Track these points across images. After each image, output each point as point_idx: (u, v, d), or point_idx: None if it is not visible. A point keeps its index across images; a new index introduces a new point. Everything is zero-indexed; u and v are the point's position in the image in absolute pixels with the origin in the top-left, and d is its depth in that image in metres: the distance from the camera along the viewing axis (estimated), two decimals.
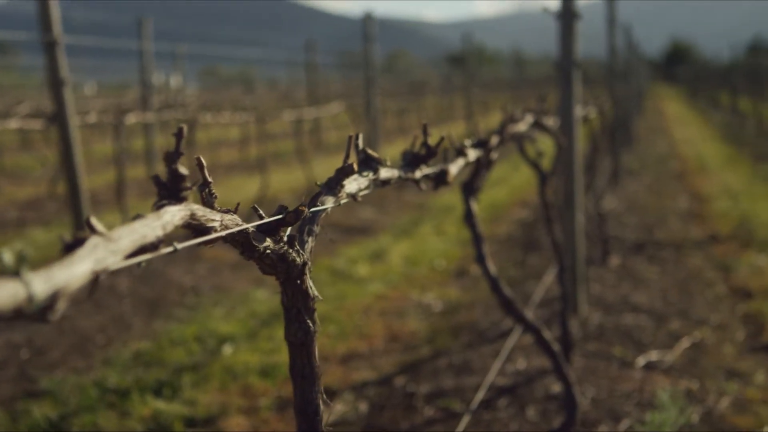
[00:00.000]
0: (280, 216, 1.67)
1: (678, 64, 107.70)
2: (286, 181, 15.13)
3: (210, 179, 1.49)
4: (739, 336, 6.06)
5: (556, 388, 4.88)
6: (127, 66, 26.78)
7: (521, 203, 12.93)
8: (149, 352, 6.01)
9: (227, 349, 6.09)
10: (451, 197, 12.35)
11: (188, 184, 1.35)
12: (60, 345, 6.11)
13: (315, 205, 1.85)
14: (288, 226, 1.70)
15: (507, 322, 6.17)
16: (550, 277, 6.98)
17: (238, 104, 23.79)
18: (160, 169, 13.95)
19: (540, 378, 5.10)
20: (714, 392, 4.91)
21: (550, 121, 5.29)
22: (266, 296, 7.41)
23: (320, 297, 1.80)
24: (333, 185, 1.97)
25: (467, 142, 3.36)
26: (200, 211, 1.38)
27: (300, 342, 1.79)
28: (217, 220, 1.45)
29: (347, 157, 1.96)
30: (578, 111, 6.27)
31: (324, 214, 1.88)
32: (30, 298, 0.90)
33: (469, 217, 3.61)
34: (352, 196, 2.05)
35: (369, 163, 2.23)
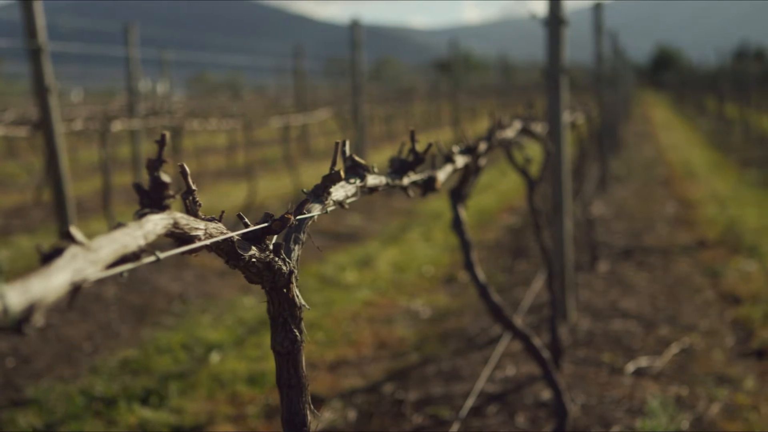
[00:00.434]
0: (266, 224, 1.64)
1: (664, 71, 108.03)
2: (274, 188, 15.10)
3: (194, 187, 1.46)
4: (728, 342, 6.05)
5: (546, 394, 4.85)
6: (113, 73, 26.73)
7: (509, 209, 12.93)
8: (136, 360, 5.97)
9: (215, 357, 6.05)
10: (439, 203, 12.33)
11: (171, 192, 1.32)
12: (46, 353, 6.06)
13: (301, 213, 1.82)
14: (274, 234, 1.67)
15: (496, 328, 6.15)
16: (538, 284, 6.97)
17: (225, 111, 23.75)
18: (147, 176, 13.88)
19: (529, 384, 5.08)
20: (704, 398, 4.90)
21: (538, 128, 5.28)
22: (254, 303, 7.38)
23: (307, 306, 1.77)
24: (319, 192, 1.94)
25: (455, 149, 3.33)
26: (183, 219, 1.35)
27: (287, 351, 1.76)
28: (201, 229, 1.42)
29: (334, 163, 1.93)
30: (566, 117, 6.26)
31: (311, 222, 1.85)
32: (5, 311, 0.87)
33: (457, 224, 3.59)
34: (339, 204, 2.02)
35: (356, 170, 2.21)
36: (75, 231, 1.08)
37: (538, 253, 7.13)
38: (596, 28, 13.65)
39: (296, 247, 1.78)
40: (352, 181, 2.14)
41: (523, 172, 4.78)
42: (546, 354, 4.00)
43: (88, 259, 1.05)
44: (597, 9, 13.72)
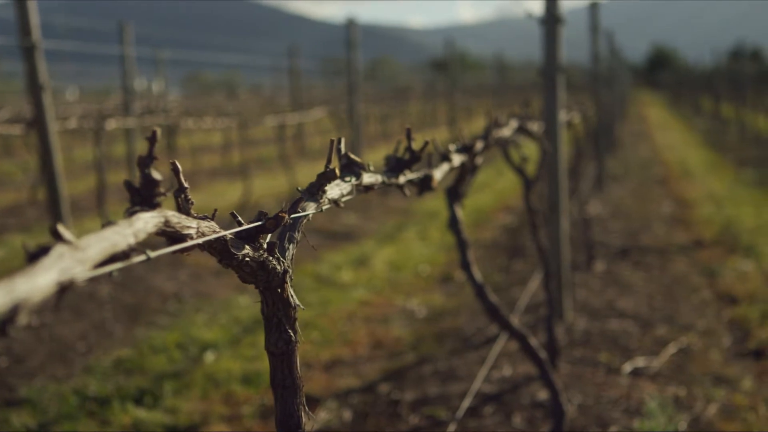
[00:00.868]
0: (260, 222, 1.61)
1: (660, 70, 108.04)
2: (269, 187, 15.06)
3: (186, 184, 1.43)
4: (725, 342, 6.03)
5: (543, 395, 4.83)
6: (109, 71, 26.66)
7: (506, 208, 12.90)
8: (130, 360, 5.94)
9: (209, 356, 6.02)
10: (435, 202, 12.31)
11: (162, 190, 1.29)
12: (39, 353, 6.03)
13: (296, 211, 1.79)
14: (268, 233, 1.64)
15: (492, 328, 6.12)
16: (535, 283, 6.94)
17: (220, 110, 23.71)
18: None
19: (526, 385, 5.05)
20: (701, 399, 4.87)
21: (535, 126, 5.25)
22: (249, 303, 7.35)
23: (302, 306, 1.74)
24: (314, 191, 1.91)
25: (452, 147, 3.31)
26: (175, 217, 1.32)
27: (281, 352, 1.73)
28: (194, 227, 1.39)
29: (329, 161, 1.90)
30: (562, 116, 6.23)
31: (306, 220, 1.82)
32: None
33: (453, 223, 3.56)
34: (335, 202, 1.99)
35: (351, 168, 2.18)
36: (63, 229, 1.05)
37: (535, 252, 7.11)
38: (592, 28, 13.64)
39: (291, 246, 1.75)
40: (347, 179, 2.11)
41: (520, 171, 4.75)
42: (543, 354, 3.98)
43: (76, 258, 1.02)
44: (593, 8, 13.70)
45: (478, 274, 3.61)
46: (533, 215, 4.85)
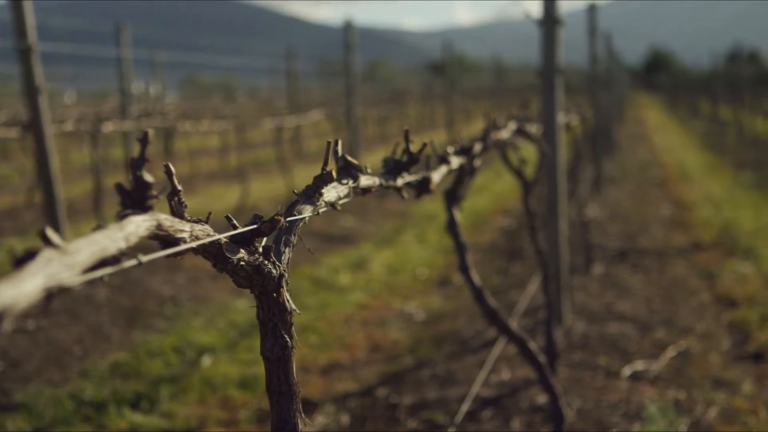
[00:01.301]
0: (255, 226, 1.58)
1: (658, 73, 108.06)
2: (267, 190, 15.03)
3: (179, 187, 1.40)
4: (724, 344, 6.01)
5: (542, 399, 4.80)
6: (106, 74, 26.65)
7: (504, 211, 12.88)
8: (127, 364, 5.91)
9: (206, 361, 5.99)
10: (433, 205, 12.28)
11: (155, 193, 1.25)
12: (35, 357, 5.99)
13: (292, 214, 1.76)
14: (263, 237, 1.61)
15: (491, 331, 6.09)
16: (533, 286, 6.91)
17: (218, 113, 23.68)
18: None
19: (525, 389, 5.02)
20: (701, 402, 4.84)
21: (533, 128, 5.22)
22: (246, 306, 7.32)
23: (298, 311, 1.71)
24: (311, 193, 1.88)
25: (450, 149, 3.28)
26: (168, 221, 1.29)
27: (277, 358, 1.70)
28: (187, 231, 1.35)
29: (326, 163, 1.87)
30: (561, 118, 6.20)
31: (302, 223, 1.79)
32: None
33: (452, 226, 3.53)
34: (331, 205, 1.96)
35: (349, 171, 2.14)
36: (51, 233, 1.02)
37: (533, 255, 7.08)
38: (590, 30, 13.62)
39: (287, 250, 1.72)
40: (344, 181, 2.08)
41: (518, 173, 4.73)
42: (542, 358, 3.95)
43: (64, 263, 0.99)
44: (591, 10, 13.69)
45: (476, 278, 3.58)
46: (532, 218, 4.82)
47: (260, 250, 1.61)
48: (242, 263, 1.55)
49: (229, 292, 7.80)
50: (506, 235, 10.77)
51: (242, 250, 1.55)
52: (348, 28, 15.32)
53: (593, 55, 14.00)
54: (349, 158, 2.14)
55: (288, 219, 1.74)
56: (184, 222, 1.36)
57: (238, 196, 12.89)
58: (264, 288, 1.64)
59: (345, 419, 4.92)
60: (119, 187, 1.25)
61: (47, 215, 7.13)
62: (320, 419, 4.92)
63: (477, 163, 3.60)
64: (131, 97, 15.33)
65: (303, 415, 1.75)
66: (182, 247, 1.33)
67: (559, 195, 6.15)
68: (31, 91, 6.75)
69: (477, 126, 29.49)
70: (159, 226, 1.26)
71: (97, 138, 10.77)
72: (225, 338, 6.49)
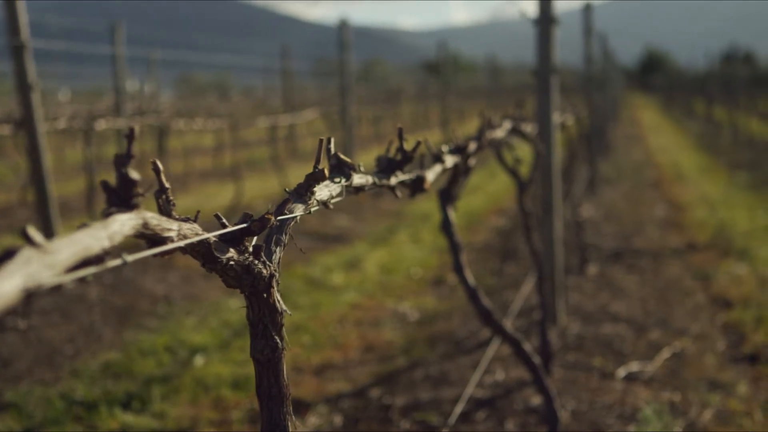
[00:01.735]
0: (244, 225, 1.55)
1: (653, 73, 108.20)
2: (261, 189, 14.99)
3: (167, 185, 1.37)
4: (719, 346, 5.98)
5: (536, 400, 4.77)
6: (101, 72, 26.57)
7: (498, 211, 12.85)
8: (118, 363, 5.86)
9: (199, 360, 5.95)
10: (428, 204, 12.25)
11: (141, 190, 1.22)
12: (26, 356, 5.95)
13: (283, 213, 1.72)
14: (253, 236, 1.58)
15: (485, 331, 6.06)
16: (528, 286, 6.89)
17: (212, 111, 23.63)
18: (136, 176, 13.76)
19: (519, 390, 4.99)
20: (696, 404, 4.82)
21: (528, 128, 5.19)
22: (239, 305, 7.27)
23: (289, 311, 1.68)
24: (302, 192, 1.84)
25: (445, 148, 3.25)
26: (154, 219, 1.26)
27: (267, 359, 1.67)
28: (174, 230, 1.32)
29: (318, 162, 1.84)
30: (556, 117, 6.18)
31: (294, 222, 1.76)
32: None
33: (446, 226, 3.50)
34: (324, 204, 1.93)
35: (341, 169, 2.11)
36: (33, 231, 0.99)
37: (528, 255, 7.05)
38: (586, 29, 13.59)
39: (277, 249, 1.69)
40: (337, 180, 2.04)
41: (513, 172, 4.70)
42: (536, 359, 3.92)
43: (44, 262, 0.95)
44: (587, 10, 13.66)
45: (470, 278, 3.55)
46: (527, 218, 4.80)
47: (250, 249, 1.58)
48: (231, 263, 1.51)
49: (222, 291, 7.76)
50: (501, 235, 10.74)
51: (232, 250, 1.52)
52: (343, 26, 15.29)
53: (588, 55, 13.97)
54: (342, 156, 2.11)
55: (279, 218, 1.70)
56: (171, 220, 1.33)
57: (232, 195, 12.85)
58: (254, 288, 1.61)
59: (338, 420, 4.89)
60: (105, 185, 1.22)
61: (39, 213, 7.09)
62: (313, 420, 4.88)
63: (472, 162, 3.57)
64: (126, 95, 15.29)
65: (294, 417, 1.72)
66: (169, 246, 1.30)
67: (554, 195, 6.12)
68: (23, 88, 6.71)
69: (472, 126, 29.48)
70: (145, 225, 1.23)
71: (90, 136, 10.72)
72: (218, 338, 6.45)
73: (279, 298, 1.66)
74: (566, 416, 4.57)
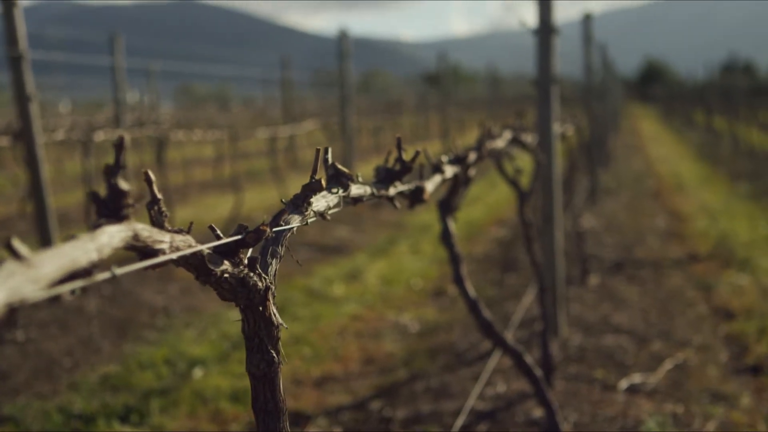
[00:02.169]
0: (239, 236, 1.51)
1: (652, 84, 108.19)
2: (261, 200, 14.96)
3: (159, 196, 1.33)
4: (722, 357, 5.93)
5: (538, 412, 4.72)
6: (101, 83, 26.59)
7: (498, 222, 12.82)
8: (117, 376, 5.82)
9: (198, 373, 5.91)
10: (428, 215, 12.21)
11: (131, 201, 1.18)
12: (24, 369, 5.91)
13: (278, 224, 1.69)
14: (248, 248, 1.54)
15: (486, 343, 6.02)
16: (529, 297, 6.85)
17: (212, 122, 23.61)
18: (134, 186, 13.75)
19: (520, 402, 4.95)
20: (699, 416, 4.77)
21: (529, 138, 5.16)
22: (239, 317, 7.22)
23: (285, 325, 1.64)
24: (299, 203, 1.81)
25: (444, 158, 3.21)
26: (145, 231, 1.22)
27: (263, 374, 1.63)
28: (166, 242, 1.29)
29: (314, 172, 1.80)
30: (557, 127, 6.14)
31: (290, 234, 1.72)
32: None
33: (446, 237, 3.47)
34: (321, 215, 1.89)
35: (339, 179, 2.08)
36: (18, 244, 0.96)
37: (528, 266, 7.01)
38: (585, 39, 13.58)
39: (273, 262, 1.65)
40: (334, 190, 2.01)
41: (514, 183, 4.66)
42: (538, 372, 3.88)
43: (28, 276, 0.92)
44: (586, 20, 13.65)
45: (471, 289, 3.51)
46: (527, 228, 4.76)
47: (245, 261, 1.55)
48: (226, 275, 1.48)
49: (221, 303, 7.72)
50: (501, 246, 10.70)
51: (226, 262, 1.49)
52: (343, 37, 15.29)
53: (588, 66, 13.96)
54: (340, 167, 2.08)
55: (275, 229, 1.67)
56: (163, 232, 1.30)
57: (232, 206, 12.82)
58: (250, 301, 1.58)
59: None
60: (93, 196, 1.18)
61: (38, 224, 7.06)
62: None
63: (472, 172, 3.54)
64: (125, 106, 15.27)
65: (292, 431, 1.68)
66: (161, 258, 1.27)
67: (554, 205, 6.09)
68: (21, 99, 6.69)
69: (472, 137, 29.44)
70: (136, 237, 1.19)
71: (89, 147, 10.70)
72: (217, 350, 6.41)
73: (275, 311, 1.62)
74: (568, 429, 4.53)
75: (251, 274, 1.54)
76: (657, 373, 5.46)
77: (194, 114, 38.65)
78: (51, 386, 5.65)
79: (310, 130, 21.48)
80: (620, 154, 25.41)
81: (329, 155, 2.05)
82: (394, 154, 2.51)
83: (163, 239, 1.27)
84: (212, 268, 1.43)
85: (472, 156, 3.48)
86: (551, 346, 5.14)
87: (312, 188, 1.81)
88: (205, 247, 1.41)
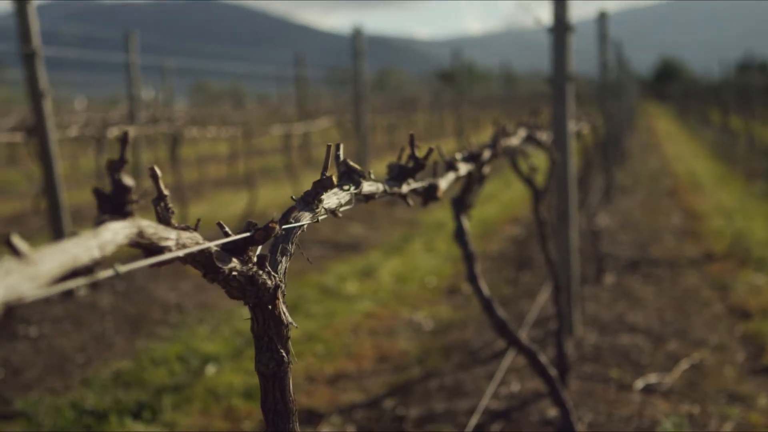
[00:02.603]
0: (248, 234, 1.48)
1: (668, 82, 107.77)
2: (275, 197, 14.94)
3: (166, 192, 1.30)
4: (739, 357, 5.88)
5: (552, 412, 4.68)
6: (116, 80, 26.63)
7: (513, 220, 12.77)
8: (130, 372, 5.81)
9: (210, 369, 5.89)
10: (442, 213, 12.17)
11: (135, 197, 1.15)
12: (37, 364, 5.90)
13: (288, 222, 1.65)
14: (257, 245, 1.51)
15: (500, 342, 5.98)
16: (543, 296, 6.80)
17: (226, 119, 23.62)
18: (146, 184, 13.76)
19: (535, 401, 4.91)
20: (716, 417, 4.72)
21: (544, 136, 5.12)
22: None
23: (295, 324, 1.61)
24: (310, 200, 1.78)
25: (458, 156, 3.18)
26: (151, 228, 1.19)
27: (272, 373, 1.61)
28: (173, 239, 1.26)
29: (326, 168, 1.77)
30: (572, 125, 6.10)
31: (301, 231, 1.69)
32: None
33: (460, 235, 3.43)
34: (332, 212, 1.86)
35: (350, 176, 2.04)
36: (18, 241, 0.93)
37: (543, 264, 6.97)
38: (601, 37, 13.52)
39: (283, 259, 1.62)
40: (345, 187, 1.97)
41: (529, 181, 4.63)
42: (552, 371, 3.84)
43: (26, 274, 0.89)
44: (601, 18, 13.59)
45: (485, 288, 3.48)
46: (542, 226, 4.72)
47: (254, 259, 1.51)
48: (234, 273, 1.45)
49: (234, 301, 7.69)
50: (516, 244, 10.66)
51: (234, 260, 1.46)
52: (357, 35, 15.26)
53: (603, 64, 13.90)
54: (351, 163, 2.04)
55: (284, 227, 1.64)
56: (169, 229, 1.26)
57: (246, 203, 12.81)
58: (259, 300, 1.55)
59: (351, 430, 4.82)
60: (97, 192, 1.15)
61: (51, 221, 7.06)
62: (326, 430, 4.82)
63: (486, 170, 3.50)
64: (140, 103, 15.29)
65: (303, 430, 1.65)
66: (167, 255, 1.24)
67: (569, 204, 6.04)
68: (35, 95, 6.68)
69: (487, 134, 29.32)
70: (140, 234, 1.16)
71: (103, 143, 10.70)
72: (230, 347, 6.39)
73: (285, 309, 1.59)
74: (583, 429, 4.49)
75: (260, 272, 1.51)
76: (673, 373, 5.42)
77: (209, 111, 38.65)
78: (63, 382, 5.63)
79: (325, 127, 21.47)
80: (636, 152, 25.31)
81: (341, 152, 2.02)
82: (407, 151, 2.48)
83: (169, 236, 1.24)
84: (220, 265, 1.41)
85: (487, 153, 3.44)
86: (566, 345, 5.10)
87: (323, 185, 1.77)
88: (212, 245, 1.38)
